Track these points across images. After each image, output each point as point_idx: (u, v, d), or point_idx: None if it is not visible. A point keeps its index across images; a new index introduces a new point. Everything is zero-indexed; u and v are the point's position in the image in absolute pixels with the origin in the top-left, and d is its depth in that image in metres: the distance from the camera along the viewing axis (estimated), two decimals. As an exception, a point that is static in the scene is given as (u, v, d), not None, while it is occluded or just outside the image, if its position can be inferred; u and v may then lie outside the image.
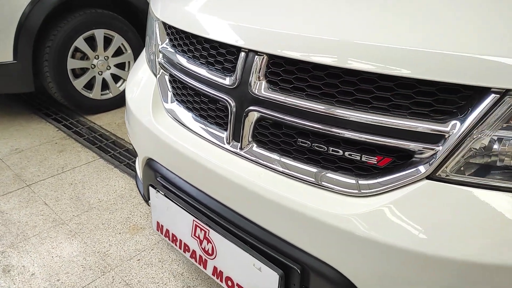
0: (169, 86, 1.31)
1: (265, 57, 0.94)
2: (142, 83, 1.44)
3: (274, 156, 0.98)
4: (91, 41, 2.91)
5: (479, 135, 0.74)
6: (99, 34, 2.91)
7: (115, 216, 1.93)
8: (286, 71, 0.92)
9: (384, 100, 0.81)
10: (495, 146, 0.74)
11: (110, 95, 3.11)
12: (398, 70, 0.76)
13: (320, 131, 0.88)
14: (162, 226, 1.25)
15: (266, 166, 0.99)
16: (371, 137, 0.83)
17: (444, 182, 0.78)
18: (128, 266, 1.62)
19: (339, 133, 0.86)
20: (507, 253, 0.69)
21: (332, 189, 0.88)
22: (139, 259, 1.66)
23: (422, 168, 0.79)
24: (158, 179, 1.24)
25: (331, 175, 0.89)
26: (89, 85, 3.01)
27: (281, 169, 0.96)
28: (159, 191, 1.20)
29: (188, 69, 1.16)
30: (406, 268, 0.77)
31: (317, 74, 0.87)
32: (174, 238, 1.21)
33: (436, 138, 0.77)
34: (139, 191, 1.55)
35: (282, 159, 0.97)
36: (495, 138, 0.74)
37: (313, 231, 0.87)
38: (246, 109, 0.99)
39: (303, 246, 0.90)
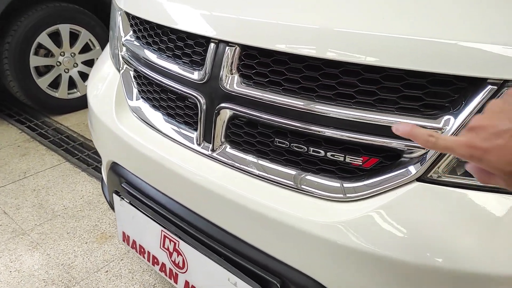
0: (134, 82, 1.19)
1: (237, 48, 0.84)
2: (105, 81, 1.32)
3: (250, 158, 0.89)
4: (56, 37, 2.73)
5: (475, 132, 0.66)
6: (64, 29, 2.74)
7: (82, 224, 1.79)
8: (261, 64, 0.83)
9: (369, 94, 0.73)
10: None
11: (78, 94, 2.94)
12: (384, 61, 0.68)
13: (299, 130, 0.79)
14: (128, 236, 1.14)
15: (241, 169, 0.89)
16: (355, 136, 0.74)
17: (436, 184, 0.70)
18: (95, 279, 1.50)
19: (320, 132, 0.77)
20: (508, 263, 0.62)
21: (314, 193, 0.79)
22: (107, 271, 1.53)
23: (412, 169, 0.71)
24: (123, 185, 1.13)
25: (312, 178, 0.80)
26: (55, 84, 2.83)
27: (257, 172, 0.87)
28: (123, 199, 1.09)
29: (153, 63, 1.05)
30: (400, 281, 0.69)
31: (295, 66, 0.78)
32: (142, 250, 1.10)
33: (427, 136, 0.69)
34: (105, 197, 1.43)
35: (259, 161, 0.88)
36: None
37: (293, 241, 0.78)
38: (218, 106, 0.89)
39: (283, 258, 0.81)
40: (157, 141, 1.05)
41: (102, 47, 2.95)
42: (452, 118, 0.67)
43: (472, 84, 0.66)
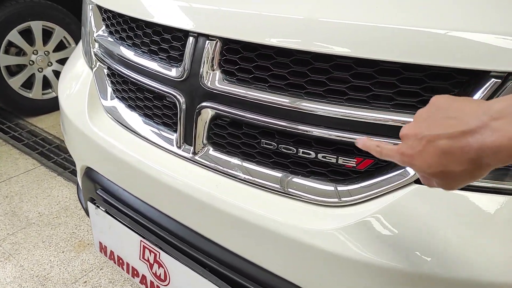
0: (108, 81, 1.11)
1: (218, 42, 0.77)
2: (77, 80, 1.23)
3: (234, 161, 0.83)
4: (28, 35, 2.60)
5: (477, 129, 0.61)
6: (37, 26, 2.60)
7: (58, 232, 1.69)
8: (244, 59, 0.76)
9: (362, 90, 0.67)
10: (497, 142, 0.62)
11: (53, 94, 2.81)
12: (379, 53, 0.63)
13: (287, 130, 0.73)
14: (105, 247, 1.06)
15: (225, 173, 0.83)
16: (348, 135, 0.69)
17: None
18: (73, 291, 1.41)
19: (310, 131, 0.71)
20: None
21: (305, 198, 0.73)
22: (85, 281, 1.45)
23: (410, 170, 0.66)
24: (98, 192, 1.05)
25: (303, 181, 0.74)
26: (29, 84, 2.70)
27: (243, 176, 0.80)
28: (99, 207, 1.01)
29: (128, 59, 0.97)
30: (399, 294, 0.64)
31: (281, 61, 0.72)
32: (121, 262, 1.03)
33: (426, 134, 0.64)
34: (81, 204, 1.34)
35: (244, 164, 0.81)
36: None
37: (282, 250, 0.72)
38: (198, 106, 0.82)
39: (274, 269, 0.75)
40: (133, 144, 0.97)
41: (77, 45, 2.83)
42: (452, 114, 0.62)
43: (474, 78, 0.61)
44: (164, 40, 0.89)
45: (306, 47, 0.67)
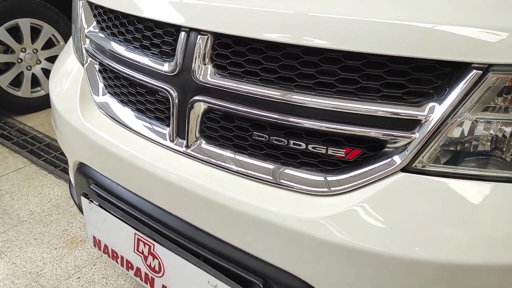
0: (100, 77, 1.12)
1: (210, 36, 0.79)
2: (68, 76, 1.23)
3: (227, 153, 0.84)
4: (16, 32, 2.58)
5: (459, 118, 0.64)
6: (25, 24, 2.58)
7: (50, 229, 1.69)
8: (236, 53, 0.78)
9: (350, 82, 0.70)
10: (479, 131, 0.65)
11: (42, 93, 2.79)
12: (366, 46, 0.65)
13: (278, 122, 0.75)
14: (99, 241, 1.07)
15: (218, 166, 0.84)
16: (337, 126, 0.71)
17: (421, 174, 0.68)
18: (67, 286, 1.41)
19: (300, 123, 0.73)
20: (501, 252, 0.61)
21: (296, 188, 0.75)
22: (79, 277, 1.45)
23: (397, 159, 0.68)
24: (91, 187, 1.05)
25: (294, 172, 0.77)
26: (17, 82, 2.67)
27: (235, 168, 0.82)
28: (92, 201, 1.02)
29: (120, 55, 0.98)
30: (388, 276, 0.66)
31: (272, 54, 0.74)
32: (115, 255, 1.04)
33: (411, 124, 0.67)
34: (74, 200, 1.34)
35: (237, 157, 0.83)
36: (478, 121, 0.64)
37: (276, 238, 0.74)
38: (191, 100, 0.84)
39: (266, 257, 0.77)
40: (126, 138, 0.98)
41: (67, 42, 2.81)
42: (436, 105, 0.65)
43: (456, 70, 0.63)
44: (156, 35, 0.90)
45: (296, 41, 0.69)
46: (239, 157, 0.83)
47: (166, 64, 0.86)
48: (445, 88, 0.65)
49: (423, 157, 0.67)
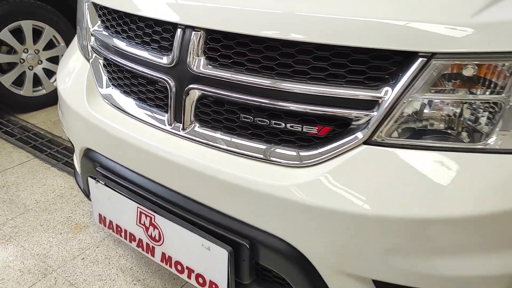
0: (104, 70, 1.24)
1: (202, 32, 0.92)
2: (74, 71, 1.35)
3: (218, 134, 0.97)
4: (18, 34, 2.69)
5: (409, 99, 0.77)
6: (27, 25, 2.69)
7: (55, 216, 1.81)
8: (225, 46, 0.91)
9: (321, 70, 0.83)
10: (425, 110, 0.78)
11: (44, 92, 2.90)
12: (333, 39, 0.78)
13: (262, 105, 0.88)
14: (104, 218, 1.19)
15: (210, 145, 0.97)
16: (311, 107, 0.84)
17: (380, 146, 0.81)
18: (72, 266, 1.53)
19: (280, 106, 0.86)
20: (440, 205, 0.74)
21: (275, 162, 0.88)
22: (83, 258, 1.57)
23: (359, 134, 0.81)
24: (97, 169, 1.18)
25: (274, 149, 0.89)
26: (20, 81, 2.78)
27: (225, 146, 0.95)
28: (99, 181, 1.14)
29: (123, 50, 1.10)
30: (348, 231, 0.79)
31: (255, 47, 0.87)
32: (119, 229, 1.16)
33: (370, 104, 0.80)
34: (79, 186, 1.46)
35: (226, 137, 0.96)
36: (424, 101, 0.78)
37: (258, 204, 0.87)
38: (186, 88, 0.97)
39: (250, 221, 0.90)
40: (130, 124, 1.10)
41: (67, 43, 2.92)
42: (390, 88, 0.78)
43: (407, 58, 0.76)
44: (155, 32, 1.03)
45: (276, 35, 0.82)
46: (228, 137, 0.95)
47: (165, 57, 0.99)
48: (398, 73, 0.78)
49: (381, 132, 0.80)
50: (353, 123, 0.83)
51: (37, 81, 2.87)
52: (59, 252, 1.59)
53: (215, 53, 0.92)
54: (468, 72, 0.76)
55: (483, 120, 0.77)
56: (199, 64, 0.94)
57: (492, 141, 0.77)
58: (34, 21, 2.72)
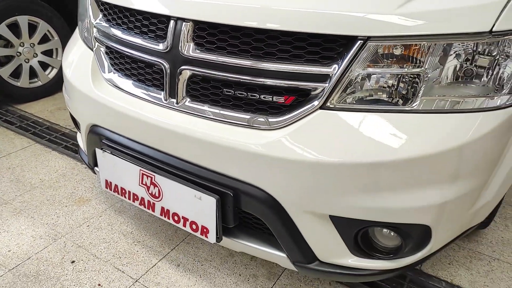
0: (107, 58, 1.44)
1: (191, 23, 1.13)
2: (79, 58, 1.55)
3: (205, 107, 1.19)
4: (15, 28, 2.85)
5: (352, 73, 1.01)
6: (23, 20, 2.86)
7: (59, 192, 2.01)
8: (210, 34, 1.12)
9: (286, 51, 1.05)
10: (365, 81, 1.01)
11: (40, 83, 3.07)
12: (295, 26, 1.00)
13: (240, 81, 1.10)
14: (110, 182, 1.40)
15: (200, 115, 1.19)
16: (278, 81, 1.06)
17: (332, 110, 1.04)
18: (79, 232, 1.74)
19: (255, 81, 1.08)
20: (378, 152, 0.98)
21: (251, 126, 1.11)
22: (88, 225, 1.78)
23: (316, 102, 1.04)
24: (103, 141, 1.38)
25: (250, 117, 1.12)
26: (17, 74, 2.95)
27: (212, 116, 1.17)
28: (105, 151, 1.35)
29: (124, 39, 1.31)
30: (306, 177, 1.02)
31: (234, 34, 1.09)
32: (123, 191, 1.37)
33: (324, 78, 1.03)
34: (84, 161, 1.67)
35: (212, 108, 1.18)
36: (364, 75, 1.01)
37: (237, 160, 1.09)
38: (179, 69, 1.18)
39: (233, 174, 1.12)
40: (131, 102, 1.31)
41: (61, 37, 3.10)
42: (337, 65, 1.01)
43: (350, 41, 1.00)
44: (152, 23, 1.24)
45: (250, 24, 1.04)
46: (214, 108, 1.17)
47: (161, 44, 1.20)
48: (344, 53, 1.01)
49: (332, 99, 1.04)
50: (312, 93, 1.05)
51: (33, 73, 3.03)
52: (66, 221, 1.80)
53: (202, 40, 1.14)
54: (397, 51, 0.99)
55: (409, 88, 1.01)
56: (189, 49, 1.15)
57: (415, 104, 1.01)
58: (30, 16, 2.88)
